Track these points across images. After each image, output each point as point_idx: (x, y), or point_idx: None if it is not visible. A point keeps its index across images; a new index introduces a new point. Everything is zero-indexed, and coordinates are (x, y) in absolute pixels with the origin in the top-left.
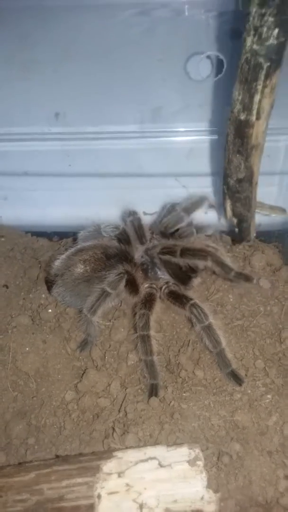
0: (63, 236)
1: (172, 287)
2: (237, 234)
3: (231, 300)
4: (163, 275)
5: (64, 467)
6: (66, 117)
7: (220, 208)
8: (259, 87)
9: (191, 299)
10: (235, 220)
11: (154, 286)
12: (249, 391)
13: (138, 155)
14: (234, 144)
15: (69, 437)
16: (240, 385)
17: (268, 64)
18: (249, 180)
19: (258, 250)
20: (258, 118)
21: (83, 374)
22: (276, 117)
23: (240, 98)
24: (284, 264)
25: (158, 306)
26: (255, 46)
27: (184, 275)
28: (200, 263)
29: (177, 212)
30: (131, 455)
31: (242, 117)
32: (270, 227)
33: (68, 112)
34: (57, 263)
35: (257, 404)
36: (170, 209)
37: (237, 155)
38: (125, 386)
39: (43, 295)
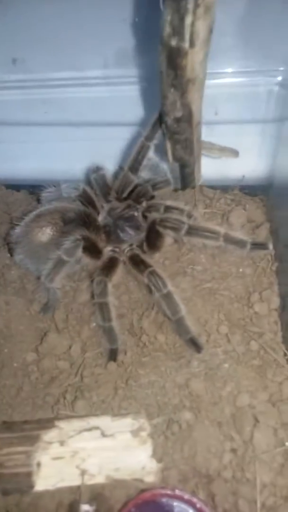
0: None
1: (135, 250)
2: (180, 180)
3: (203, 260)
4: (126, 237)
5: (6, 434)
6: (24, 63)
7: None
8: (190, 7)
9: (150, 266)
10: (176, 165)
11: (117, 249)
12: (207, 359)
13: (112, 103)
14: (168, 76)
15: (25, 400)
16: (199, 352)
17: None
18: (187, 120)
19: (240, 204)
20: (192, 45)
21: (43, 336)
22: (257, 58)
23: (169, 18)
24: (266, 221)
25: (121, 270)
26: None
27: (160, 241)
28: (209, 243)
29: (124, 173)
30: (74, 424)
31: (173, 43)
32: (255, 181)
33: (26, 57)
34: (17, 230)
35: (213, 372)
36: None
37: (172, 90)
38: (85, 349)
39: (9, 255)
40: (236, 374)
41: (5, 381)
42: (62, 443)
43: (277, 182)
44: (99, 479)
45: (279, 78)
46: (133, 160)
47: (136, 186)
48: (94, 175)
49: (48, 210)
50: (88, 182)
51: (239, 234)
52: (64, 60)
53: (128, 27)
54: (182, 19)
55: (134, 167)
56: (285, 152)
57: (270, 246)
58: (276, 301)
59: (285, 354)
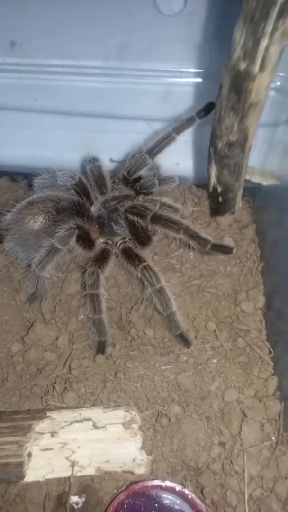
0: (27, 176)
1: (128, 243)
2: (221, 204)
3: (192, 258)
4: (120, 230)
5: None
6: (22, 47)
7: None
8: (268, 30)
9: (144, 261)
10: (219, 189)
11: (110, 242)
12: (196, 354)
13: (106, 95)
14: (229, 99)
15: (10, 390)
16: (188, 347)
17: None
18: (241, 144)
19: None
20: (262, 69)
21: (30, 326)
22: None
23: (241, 41)
24: (252, 222)
25: (112, 262)
26: None
27: (145, 235)
28: (171, 234)
29: (141, 154)
30: (66, 415)
31: (242, 66)
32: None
33: (24, 42)
34: (8, 216)
35: (202, 367)
36: (136, 153)
37: (231, 114)
38: (72, 341)
39: None
40: (224, 370)
41: None
42: (53, 434)
43: (264, 184)
44: (89, 471)
45: (278, 84)
46: (155, 145)
47: (140, 178)
48: (90, 165)
49: (41, 198)
50: (83, 172)
51: (201, 231)
52: (64, 48)
53: (134, 20)
54: (257, 43)
55: (153, 152)
56: (274, 156)
57: (233, 251)
58: (261, 300)
59: (269, 352)
